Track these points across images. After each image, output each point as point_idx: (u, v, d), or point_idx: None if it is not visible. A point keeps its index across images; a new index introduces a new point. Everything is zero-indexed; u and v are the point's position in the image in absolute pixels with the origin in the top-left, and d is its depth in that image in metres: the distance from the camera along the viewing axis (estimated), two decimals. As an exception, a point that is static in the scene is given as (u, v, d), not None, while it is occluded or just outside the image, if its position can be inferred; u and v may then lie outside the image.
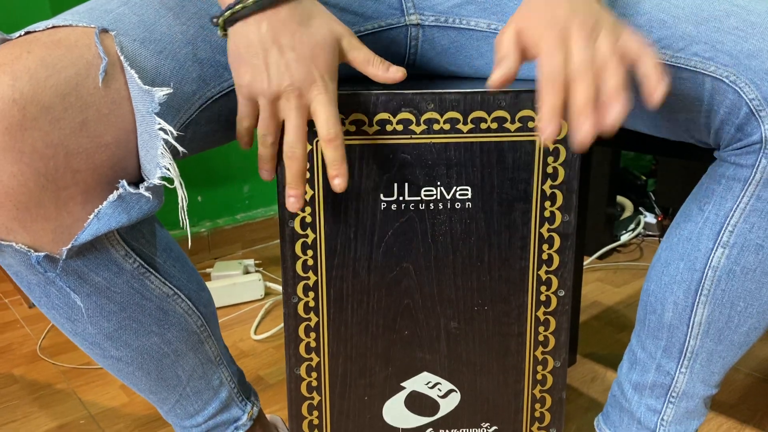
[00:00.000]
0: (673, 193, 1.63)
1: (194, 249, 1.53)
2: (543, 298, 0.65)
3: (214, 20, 0.51)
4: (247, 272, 1.42)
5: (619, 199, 1.68)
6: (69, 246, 0.49)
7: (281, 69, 0.50)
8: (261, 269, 1.47)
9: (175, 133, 0.49)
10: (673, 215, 1.65)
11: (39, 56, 0.47)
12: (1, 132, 0.44)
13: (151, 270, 0.56)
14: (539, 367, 0.68)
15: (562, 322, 0.66)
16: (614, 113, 0.47)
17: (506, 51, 0.50)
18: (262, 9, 0.49)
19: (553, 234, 0.63)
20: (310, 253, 0.63)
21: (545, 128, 0.48)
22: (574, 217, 0.63)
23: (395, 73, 0.54)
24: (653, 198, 1.67)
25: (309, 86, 0.50)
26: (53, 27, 0.49)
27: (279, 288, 1.38)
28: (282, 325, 1.22)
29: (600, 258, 1.53)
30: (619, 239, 1.58)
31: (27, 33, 0.49)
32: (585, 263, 1.47)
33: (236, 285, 1.34)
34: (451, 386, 0.68)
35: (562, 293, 0.65)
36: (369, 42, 0.67)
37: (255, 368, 1.11)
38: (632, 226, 1.62)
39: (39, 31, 0.49)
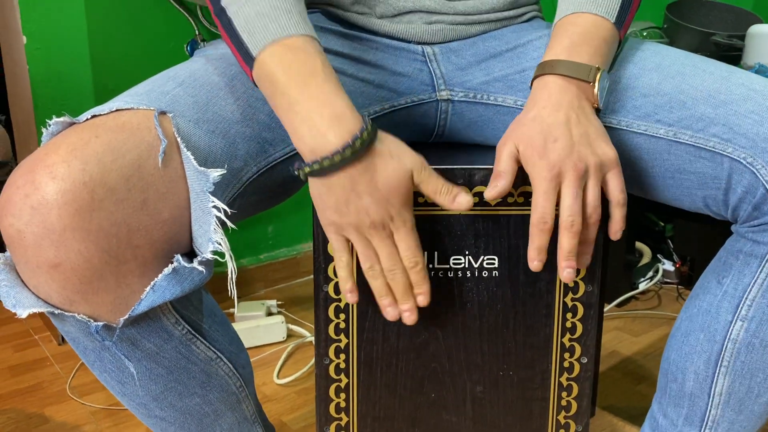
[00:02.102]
0: (691, 240, 1.64)
1: (218, 288, 1.56)
2: (566, 364, 0.67)
3: (296, 172, 0.55)
4: (269, 313, 1.45)
5: (637, 245, 1.70)
6: (126, 316, 0.53)
7: (361, 212, 0.55)
8: (283, 310, 1.50)
9: (229, 211, 0.53)
10: (692, 263, 1.66)
11: (106, 141, 0.51)
12: (71, 213, 0.48)
13: (197, 336, 0.59)
14: (562, 431, 0.70)
15: (584, 388, 0.68)
16: (584, 262, 0.61)
17: (503, 169, 0.58)
18: (340, 169, 0.54)
19: (577, 303, 0.66)
20: (342, 316, 0.66)
21: (531, 262, 0.58)
22: (597, 287, 0.66)
23: (461, 202, 0.58)
24: (671, 245, 1.68)
25: (388, 222, 0.56)
26: (117, 110, 0.53)
27: (302, 330, 1.41)
28: (304, 369, 1.25)
29: (618, 306, 1.54)
30: (637, 287, 1.59)
31: (93, 116, 0.53)
32: (603, 311, 1.48)
33: (259, 327, 1.36)
34: (476, 447, 0.70)
35: (585, 360, 0.67)
36: (402, 115, 0.71)
37: (278, 414, 1.13)
38: (651, 273, 1.63)
39: (104, 114, 0.53)
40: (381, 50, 0.70)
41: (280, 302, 1.52)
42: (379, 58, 0.69)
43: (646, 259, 1.67)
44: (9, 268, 0.52)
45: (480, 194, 0.63)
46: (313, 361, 1.29)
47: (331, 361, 0.67)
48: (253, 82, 0.58)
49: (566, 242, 0.57)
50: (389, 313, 0.60)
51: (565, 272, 0.57)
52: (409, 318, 0.60)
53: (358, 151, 0.53)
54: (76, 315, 0.51)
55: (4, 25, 1.33)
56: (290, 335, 1.40)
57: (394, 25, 0.70)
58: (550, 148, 0.56)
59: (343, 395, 0.68)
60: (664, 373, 0.70)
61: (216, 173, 0.53)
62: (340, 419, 0.68)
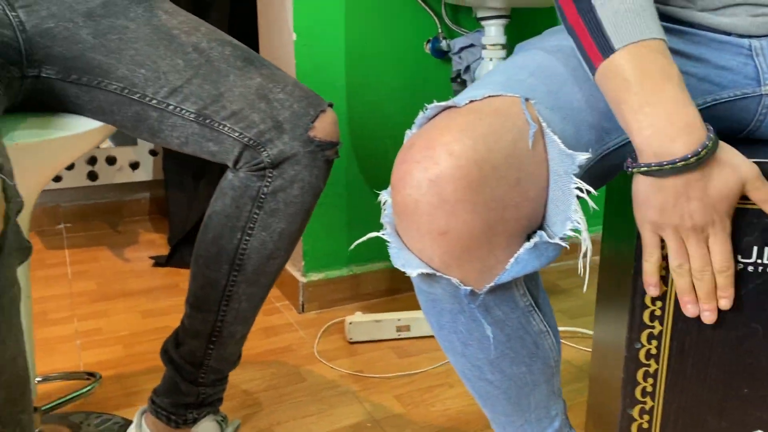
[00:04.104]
0: None
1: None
2: None
3: (630, 170, 0.59)
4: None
5: None
6: (492, 283, 0.58)
7: (685, 215, 0.58)
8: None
9: (594, 192, 0.56)
10: None
11: (488, 123, 0.56)
12: (463, 187, 0.54)
13: (535, 309, 0.64)
14: None
15: None
16: None
17: None
18: (679, 173, 0.56)
19: None
20: (658, 304, 0.67)
21: None
22: None
23: None
24: None
25: (708, 226, 0.58)
26: (489, 96, 0.59)
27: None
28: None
29: None
30: None
31: (471, 101, 0.59)
32: None
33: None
34: (786, 449, 0.68)
35: None
36: (721, 109, 0.71)
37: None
38: None
39: (478, 100, 0.59)
40: (703, 44, 0.70)
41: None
42: (702, 52, 0.70)
43: None
44: (395, 232, 0.59)
45: (823, 191, 0.61)
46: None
47: (643, 345, 0.69)
48: (591, 71, 0.61)
49: None
50: (689, 310, 0.63)
51: None
52: (710, 318, 0.63)
53: (702, 159, 0.56)
54: (451, 278, 0.58)
55: (267, 23, 1.49)
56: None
57: (718, 18, 0.70)
58: None
59: (650, 380, 0.69)
60: None
61: (582, 156, 0.57)
62: (645, 403, 0.70)
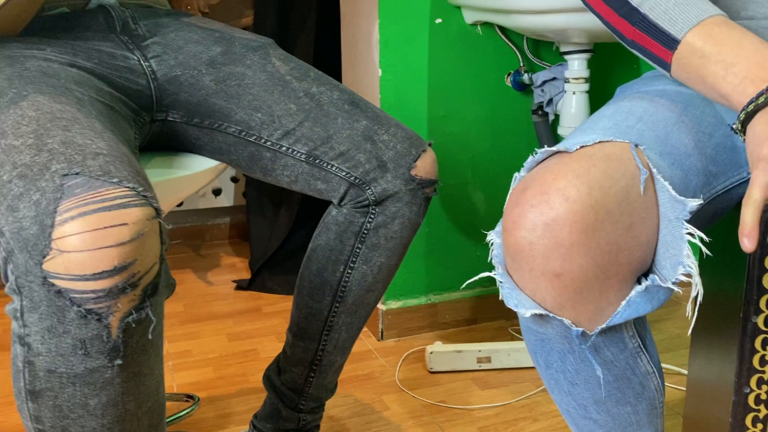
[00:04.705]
0: None
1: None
2: None
3: (735, 124, 0.59)
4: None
5: None
6: (604, 325, 0.59)
7: None
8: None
9: (706, 239, 0.57)
10: None
11: (602, 169, 0.58)
12: (579, 231, 0.56)
13: (643, 349, 0.64)
14: None
15: None
16: None
17: None
18: None
19: None
20: (769, 348, 0.66)
21: None
22: None
23: None
24: None
25: None
26: (600, 142, 0.61)
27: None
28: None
29: None
30: None
31: (581, 147, 0.61)
32: None
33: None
34: None
35: None
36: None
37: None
38: None
39: (590, 145, 0.60)
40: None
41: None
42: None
43: None
44: (507, 273, 0.61)
45: None
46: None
47: (752, 390, 0.68)
48: (667, 70, 0.63)
49: None
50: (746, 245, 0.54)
51: None
52: None
53: None
54: (564, 319, 0.59)
55: (351, 60, 1.55)
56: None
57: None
58: None
59: (760, 425, 0.68)
60: None
61: (694, 203, 0.57)
62: (754, 449, 0.69)
